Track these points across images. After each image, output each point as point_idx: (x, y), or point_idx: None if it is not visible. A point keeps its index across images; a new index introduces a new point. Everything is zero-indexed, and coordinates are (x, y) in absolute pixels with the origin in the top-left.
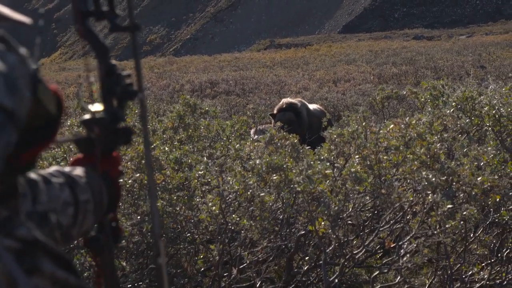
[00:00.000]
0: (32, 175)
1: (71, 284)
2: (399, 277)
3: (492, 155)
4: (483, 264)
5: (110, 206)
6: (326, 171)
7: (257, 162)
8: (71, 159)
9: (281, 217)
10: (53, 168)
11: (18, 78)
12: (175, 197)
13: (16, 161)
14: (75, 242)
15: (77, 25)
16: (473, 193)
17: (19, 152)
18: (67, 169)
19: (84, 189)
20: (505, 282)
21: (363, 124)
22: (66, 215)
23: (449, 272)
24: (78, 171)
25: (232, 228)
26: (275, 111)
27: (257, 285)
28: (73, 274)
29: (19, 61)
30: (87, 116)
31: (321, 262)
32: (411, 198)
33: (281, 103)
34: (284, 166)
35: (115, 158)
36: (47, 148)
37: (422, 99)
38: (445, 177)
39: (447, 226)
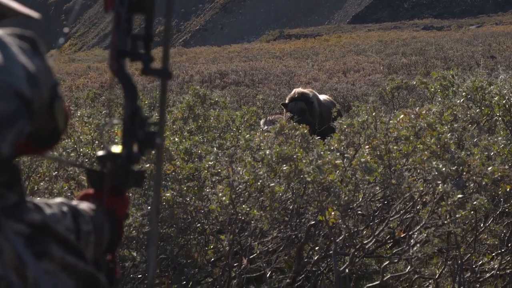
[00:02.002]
0: (36, 200)
1: (80, 269)
2: (409, 267)
3: (502, 145)
4: (493, 254)
5: (110, 246)
6: (336, 161)
7: (267, 152)
8: (80, 193)
9: (291, 207)
10: (58, 199)
11: (40, 79)
12: (185, 188)
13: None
14: None
15: (111, 62)
16: (484, 183)
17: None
18: (73, 202)
19: (87, 221)
20: None
21: (373, 114)
22: None
23: (459, 262)
24: (84, 205)
25: (242, 218)
26: (286, 101)
27: (267, 275)
28: (82, 260)
29: (44, 68)
30: (102, 152)
31: (331, 252)
32: (421, 188)
33: (292, 92)
34: (294, 156)
35: (123, 199)
36: (39, 155)
37: (432, 89)
38: (455, 167)
39: (457, 216)
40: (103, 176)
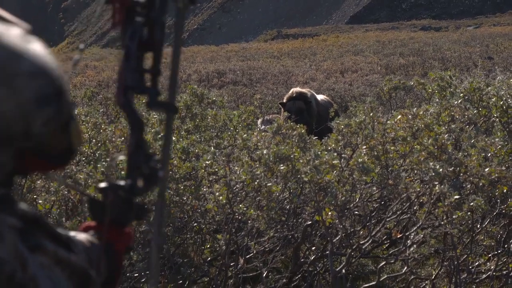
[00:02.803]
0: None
1: (73, 263)
2: (405, 268)
3: (499, 146)
4: (489, 255)
5: (108, 282)
6: (333, 162)
7: (264, 152)
8: (82, 224)
9: (288, 207)
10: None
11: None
12: (182, 187)
13: (19, 166)
14: None
15: (118, 96)
16: (480, 184)
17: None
18: (71, 233)
19: (80, 250)
20: None
21: (371, 114)
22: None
23: (455, 263)
24: (81, 236)
25: (239, 218)
26: (284, 100)
27: (264, 275)
28: (74, 255)
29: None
30: (104, 183)
31: (327, 252)
32: (418, 189)
33: (290, 92)
34: (291, 156)
35: (125, 233)
36: (49, 171)
37: (430, 90)
38: (453, 168)
39: (454, 217)
40: (104, 207)
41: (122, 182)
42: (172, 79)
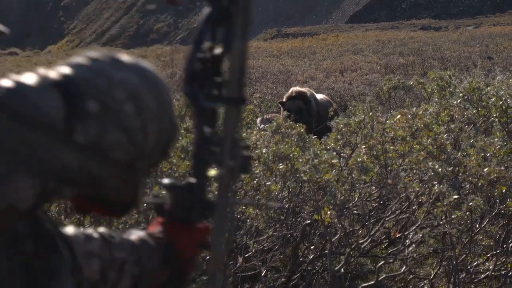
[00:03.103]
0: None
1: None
2: (404, 267)
3: (498, 146)
4: (488, 255)
5: (172, 282)
6: (333, 161)
7: (264, 151)
8: (154, 220)
9: (287, 206)
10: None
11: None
12: None
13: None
14: None
15: (184, 84)
16: (480, 184)
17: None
18: (100, 229)
19: (123, 248)
20: (511, 273)
21: (370, 114)
22: (89, 266)
23: (454, 262)
24: (134, 234)
25: (238, 216)
26: (284, 99)
27: (262, 274)
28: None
29: None
30: (167, 180)
31: (326, 251)
32: (417, 189)
33: (290, 91)
34: (291, 155)
35: (191, 232)
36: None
37: (429, 90)
38: (452, 167)
39: (453, 216)
40: (163, 205)
41: (183, 181)
42: (240, 69)
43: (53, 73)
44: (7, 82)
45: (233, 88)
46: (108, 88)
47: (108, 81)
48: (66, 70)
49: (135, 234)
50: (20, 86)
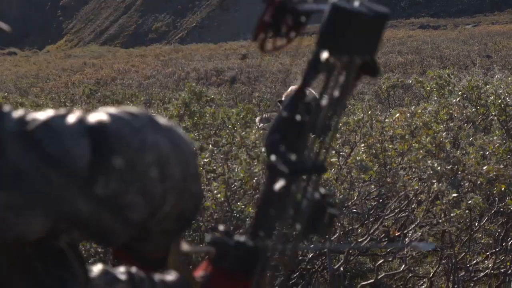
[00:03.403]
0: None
1: None
2: (403, 266)
3: (497, 144)
4: (487, 253)
5: None
6: (332, 160)
7: (263, 150)
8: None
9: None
10: (122, 269)
11: None
12: None
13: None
14: None
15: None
16: (479, 182)
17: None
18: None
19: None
20: (510, 271)
21: (369, 112)
22: None
23: (453, 260)
24: (169, 276)
25: (237, 215)
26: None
27: None
28: None
29: None
30: (215, 236)
31: (326, 250)
32: (416, 187)
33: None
34: None
35: (233, 285)
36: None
37: (428, 88)
38: (451, 166)
39: (452, 215)
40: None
41: (232, 239)
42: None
43: (90, 118)
44: (44, 116)
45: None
46: (139, 148)
47: (141, 142)
48: (104, 118)
49: (172, 276)
50: (56, 123)
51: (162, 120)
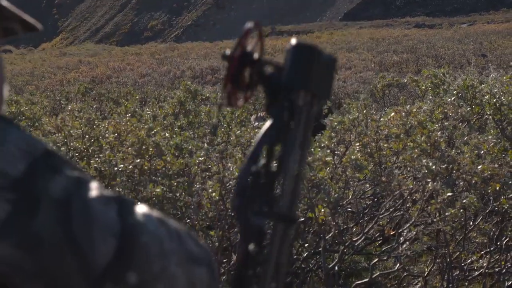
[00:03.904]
0: None
1: None
2: (398, 265)
3: (492, 144)
4: (482, 252)
5: None
6: (327, 158)
7: None
8: None
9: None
10: None
11: None
12: (175, 183)
13: None
14: None
15: (234, 198)
16: (473, 181)
17: None
18: None
19: None
20: (504, 270)
21: (364, 111)
22: None
23: (448, 260)
24: None
25: (232, 214)
26: None
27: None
28: None
29: None
30: None
31: (320, 249)
32: (411, 186)
33: None
34: None
35: None
36: None
37: (423, 87)
38: (445, 165)
39: (446, 214)
40: None
41: None
42: (293, 190)
43: (129, 216)
44: (89, 193)
45: (284, 207)
46: (157, 275)
47: (162, 269)
48: (140, 226)
49: None
50: (94, 208)
51: (193, 249)
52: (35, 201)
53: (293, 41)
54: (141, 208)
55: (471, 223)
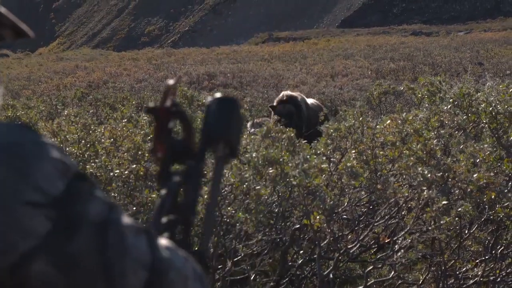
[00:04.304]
0: None
1: None
2: (393, 272)
3: (488, 152)
4: (477, 261)
5: None
6: (322, 165)
7: (254, 155)
8: None
9: (276, 210)
10: None
11: None
12: None
13: None
14: None
15: None
16: (469, 189)
17: None
18: None
19: None
20: (499, 279)
21: (360, 119)
22: None
23: (443, 268)
24: None
25: (227, 220)
26: (275, 103)
27: (251, 278)
28: None
29: None
30: None
31: (315, 256)
32: (407, 194)
33: (281, 95)
34: (280, 159)
35: None
36: None
37: (419, 95)
38: (441, 173)
39: (442, 222)
40: None
41: None
42: (207, 223)
43: (158, 251)
44: (125, 222)
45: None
46: None
47: None
48: (167, 262)
49: None
50: (129, 238)
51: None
52: (74, 222)
53: (217, 94)
54: (164, 241)
55: (466, 232)
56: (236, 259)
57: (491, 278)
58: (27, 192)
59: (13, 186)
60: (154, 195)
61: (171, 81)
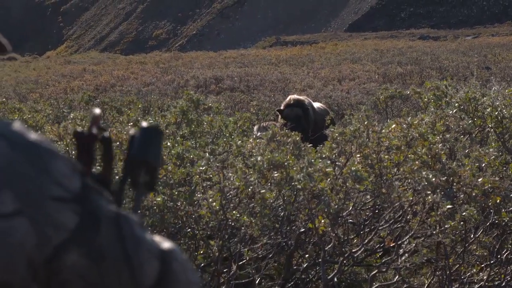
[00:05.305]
0: None
1: None
2: (397, 277)
3: (493, 157)
4: (482, 265)
5: None
6: (327, 169)
7: (259, 159)
8: None
9: (281, 214)
10: None
11: None
12: (176, 192)
13: None
14: None
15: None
16: (474, 194)
17: None
18: None
19: None
20: (504, 284)
21: (365, 123)
22: None
23: (448, 272)
24: None
25: (232, 224)
26: (282, 107)
27: (256, 282)
28: None
29: None
30: None
31: (320, 260)
32: (411, 198)
33: (288, 99)
34: (286, 163)
35: None
36: None
37: (426, 99)
38: (446, 177)
39: (446, 226)
40: None
41: None
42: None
43: (160, 244)
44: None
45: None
46: None
47: None
48: (171, 254)
49: None
50: (138, 231)
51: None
52: (96, 216)
53: (144, 124)
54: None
55: (471, 236)
56: (241, 262)
57: (496, 282)
58: (52, 188)
59: (38, 183)
60: (159, 199)
61: (97, 110)
